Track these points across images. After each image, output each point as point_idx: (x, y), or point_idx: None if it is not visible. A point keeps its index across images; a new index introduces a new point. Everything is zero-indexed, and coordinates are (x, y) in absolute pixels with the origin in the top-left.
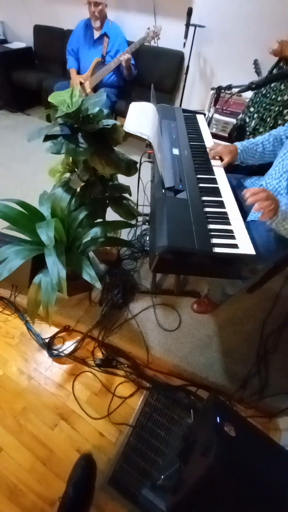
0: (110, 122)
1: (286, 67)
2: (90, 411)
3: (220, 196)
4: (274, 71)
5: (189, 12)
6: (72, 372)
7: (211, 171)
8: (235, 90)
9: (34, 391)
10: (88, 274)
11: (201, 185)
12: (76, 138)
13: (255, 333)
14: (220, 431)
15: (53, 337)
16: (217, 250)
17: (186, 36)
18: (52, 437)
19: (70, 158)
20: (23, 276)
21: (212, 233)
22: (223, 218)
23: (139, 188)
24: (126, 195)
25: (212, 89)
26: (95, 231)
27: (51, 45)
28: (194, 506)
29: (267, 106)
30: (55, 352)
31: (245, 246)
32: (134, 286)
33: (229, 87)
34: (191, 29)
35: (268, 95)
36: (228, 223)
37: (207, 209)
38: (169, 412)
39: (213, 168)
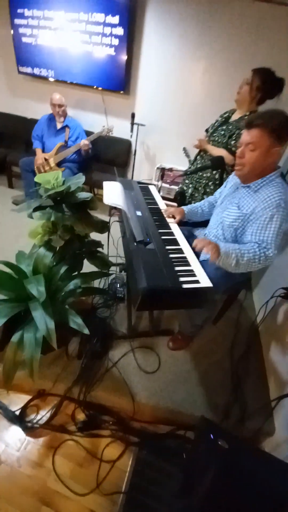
0: (87, 195)
1: (205, 155)
2: (76, 487)
3: (179, 245)
4: (198, 156)
5: (133, 115)
6: (50, 444)
7: (168, 227)
8: (177, 171)
9: (7, 478)
10: (75, 322)
11: (163, 237)
12: (62, 208)
13: (226, 361)
14: (215, 446)
15: (25, 407)
16: (185, 286)
17: (132, 130)
18: None
19: (50, 222)
20: None
21: (179, 273)
22: (184, 261)
23: (109, 242)
24: (100, 248)
25: (158, 168)
26: (75, 282)
27: (15, 129)
28: None
29: (198, 180)
30: (29, 424)
31: (204, 280)
32: (111, 333)
33: (171, 170)
34: (135, 125)
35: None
36: (189, 265)
37: (171, 255)
38: (162, 463)
39: (169, 224)
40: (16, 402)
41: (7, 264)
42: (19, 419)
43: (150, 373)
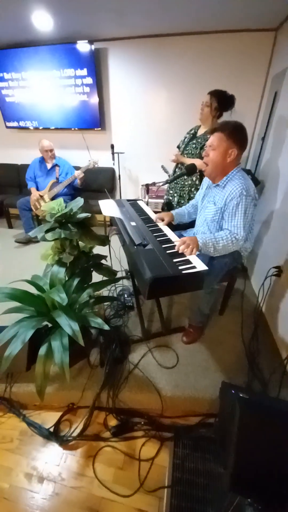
0: (87, 214)
1: (182, 167)
2: (120, 490)
3: (172, 242)
4: (177, 169)
5: (112, 146)
6: (88, 453)
7: (160, 230)
8: (158, 184)
9: (51, 493)
10: (96, 322)
11: (158, 239)
12: (68, 227)
13: (239, 345)
14: (238, 397)
15: (58, 423)
16: (184, 272)
17: (113, 159)
18: None
19: (59, 243)
20: (20, 360)
21: (177, 263)
22: (180, 254)
23: (110, 254)
24: (103, 260)
25: (143, 185)
26: (88, 292)
27: (8, 176)
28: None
29: (181, 188)
30: (64, 438)
31: (199, 265)
32: (127, 339)
33: (154, 184)
34: (116, 154)
35: (178, 182)
36: (184, 256)
37: (168, 251)
38: (200, 453)
39: (161, 228)
40: (49, 420)
41: (31, 282)
42: (54, 435)
43: (170, 368)
